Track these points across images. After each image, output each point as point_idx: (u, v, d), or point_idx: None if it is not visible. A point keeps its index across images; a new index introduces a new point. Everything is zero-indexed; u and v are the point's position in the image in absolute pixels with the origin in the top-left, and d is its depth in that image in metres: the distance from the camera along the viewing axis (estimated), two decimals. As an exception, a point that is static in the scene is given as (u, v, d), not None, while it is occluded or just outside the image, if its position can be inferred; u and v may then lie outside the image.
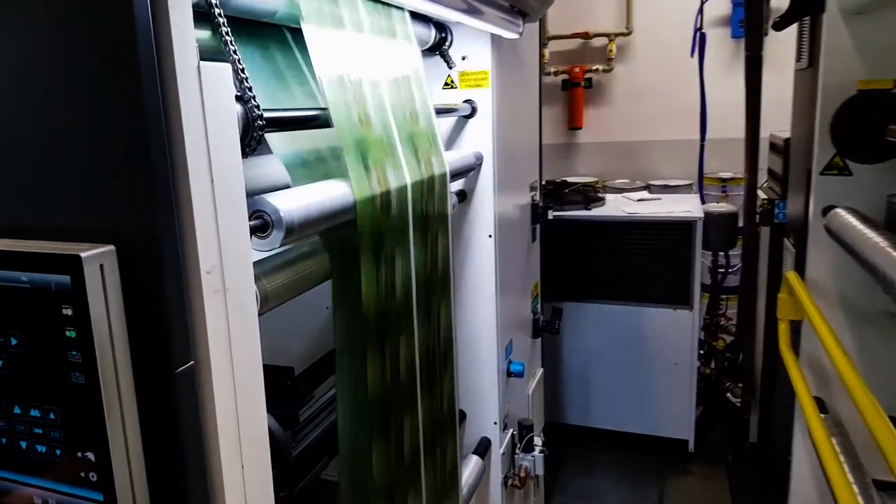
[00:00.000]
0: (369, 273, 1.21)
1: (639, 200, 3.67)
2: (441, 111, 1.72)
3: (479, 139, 1.92)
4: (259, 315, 0.99)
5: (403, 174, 1.33)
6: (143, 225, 0.73)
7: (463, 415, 2.07)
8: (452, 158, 1.66)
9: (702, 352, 3.66)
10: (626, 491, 3.23)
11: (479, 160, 1.90)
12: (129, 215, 0.72)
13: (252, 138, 0.92)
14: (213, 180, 0.80)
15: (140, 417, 0.74)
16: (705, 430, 3.61)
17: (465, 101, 1.88)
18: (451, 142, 1.92)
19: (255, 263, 1.04)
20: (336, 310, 1.21)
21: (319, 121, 1.12)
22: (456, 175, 1.69)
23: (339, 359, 1.24)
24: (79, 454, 0.70)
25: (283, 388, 1.52)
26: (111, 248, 0.69)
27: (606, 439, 3.51)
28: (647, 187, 4.30)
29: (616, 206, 3.53)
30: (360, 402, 1.26)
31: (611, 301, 3.37)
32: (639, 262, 3.33)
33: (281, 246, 0.98)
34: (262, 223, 0.96)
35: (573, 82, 4.60)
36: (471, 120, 1.90)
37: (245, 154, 0.93)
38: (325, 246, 1.19)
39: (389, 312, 1.30)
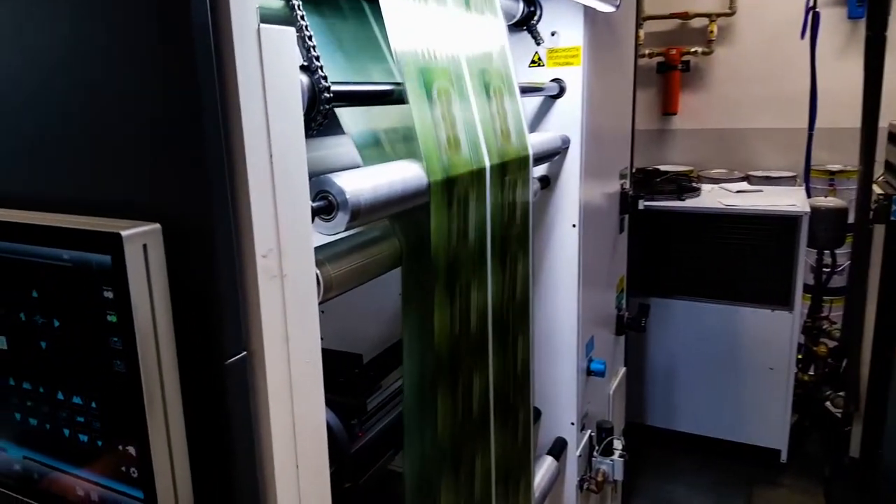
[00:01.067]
0: (441, 254, 1.12)
1: (738, 192, 3.41)
2: (526, 90, 1.60)
3: (566, 121, 1.79)
4: (322, 303, 0.92)
5: (482, 155, 1.23)
6: (193, 203, 0.66)
7: (538, 413, 1.96)
8: (537, 141, 1.55)
9: (800, 356, 3.38)
10: (710, 500, 3.03)
11: (566, 144, 1.77)
12: (177, 192, 0.66)
13: (318, 112, 0.85)
14: (272, 156, 0.72)
15: (186, 411, 0.68)
16: (800, 440, 3.34)
17: (552, 80, 1.75)
18: (535, 124, 1.80)
19: (319, 248, 0.97)
20: (405, 303, 1.13)
21: (393, 96, 1.03)
22: (540, 159, 1.57)
23: (409, 361, 1.16)
24: (119, 447, 0.65)
25: (350, 375, 1.46)
26: (156, 226, 0.63)
27: (690, 444, 3.31)
28: (747, 178, 4.00)
29: (712, 197, 3.29)
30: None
31: (702, 299, 3.15)
32: (735, 258, 3.09)
33: (347, 230, 0.91)
34: (326, 205, 0.88)
35: (669, 65, 4.34)
36: (558, 101, 1.78)
37: (311, 130, 0.85)
38: (396, 231, 1.10)
39: (464, 336, 1.21)
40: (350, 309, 2.20)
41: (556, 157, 1.77)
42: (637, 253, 2.77)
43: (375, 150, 1.12)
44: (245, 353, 0.72)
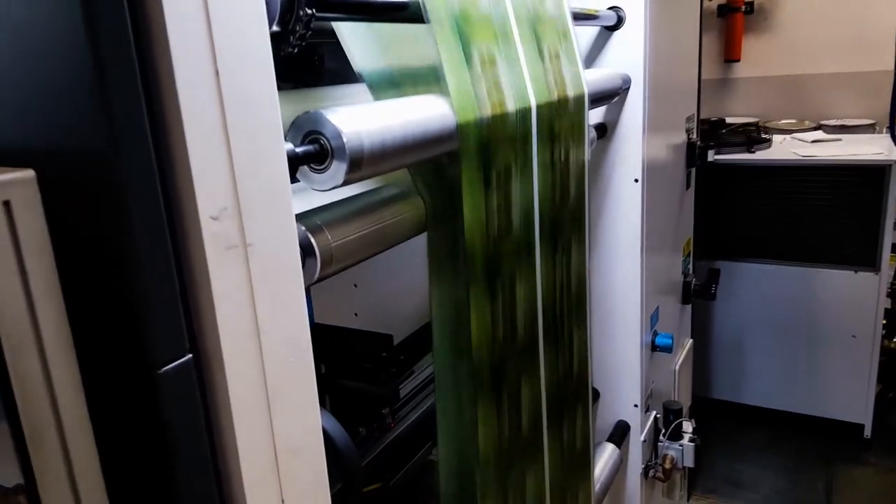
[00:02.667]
0: (476, 226, 0.88)
1: (813, 142, 3.03)
2: (579, 17, 1.32)
3: (625, 58, 1.50)
4: (320, 280, 0.69)
5: (527, 92, 0.97)
6: (89, 136, 0.44)
7: (596, 394, 1.72)
8: (592, 78, 1.28)
9: (885, 322, 3.02)
10: (785, 480, 2.75)
11: (626, 84, 1.49)
12: (62, 119, 0.44)
13: (296, 18, 0.61)
14: (218, 72, 0.49)
15: (101, 445, 0.47)
16: (886, 413, 3.00)
17: (610, 8, 1.46)
18: (588, 60, 1.52)
19: (316, 210, 0.74)
20: (433, 287, 0.90)
21: (408, 11, 0.79)
22: (596, 100, 1.30)
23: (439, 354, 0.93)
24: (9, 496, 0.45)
25: (378, 359, 1.24)
26: (27, 174, 0.41)
27: (762, 419, 3.01)
28: (819, 128, 3.59)
29: (785, 148, 2.93)
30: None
31: (776, 261, 2.81)
32: (813, 215, 2.74)
33: (346, 183, 0.67)
34: (318, 150, 0.65)
35: (731, 7, 3.91)
36: (616, 33, 1.49)
37: (289, 43, 0.62)
38: (418, 186, 0.87)
39: (501, 265, 0.97)
40: (389, 279, 1.99)
41: (615, 101, 1.49)
42: (702, 212, 2.46)
43: (393, 91, 0.87)
44: (190, 356, 0.50)
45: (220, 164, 0.50)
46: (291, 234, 0.57)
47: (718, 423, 3.03)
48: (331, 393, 1.30)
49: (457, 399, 0.97)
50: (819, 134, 3.29)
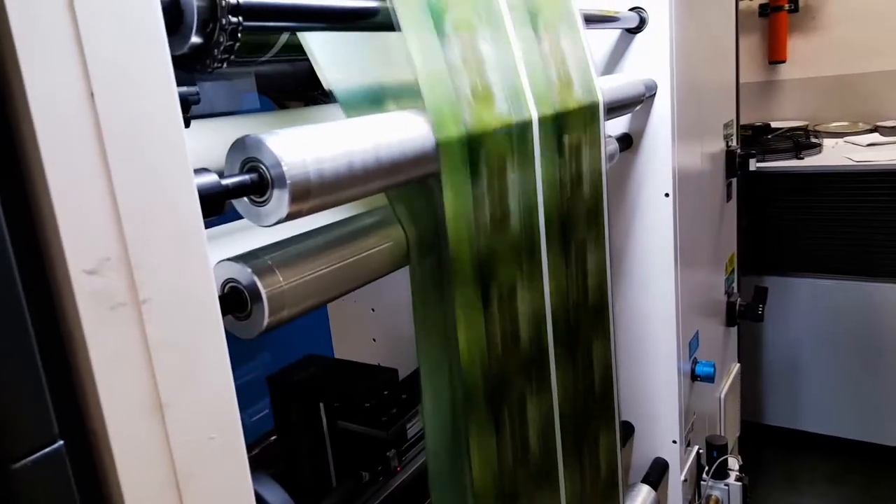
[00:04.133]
0: (463, 224, 0.76)
1: (869, 145, 2.81)
2: (597, 19, 1.20)
3: (649, 62, 1.37)
4: (268, 331, 0.59)
5: (525, 102, 0.86)
6: None
7: (630, 429, 1.58)
8: (610, 86, 1.15)
9: (958, 340, 2.75)
10: (848, 514, 2.52)
11: (651, 91, 1.36)
12: None
13: (220, 29, 0.51)
14: (92, 94, 0.40)
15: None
16: (961, 441, 2.73)
17: (631, 9, 1.34)
18: (610, 66, 1.40)
19: (269, 247, 0.64)
20: (418, 324, 0.79)
21: (377, 18, 0.68)
22: (615, 108, 1.17)
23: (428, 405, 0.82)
24: None
25: (379, 398, 1.14)
26: None
27: (821, 447, 2.77)
28: (875, 130, 3.35)
29: (837, 153, 2.72)
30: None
31: (831, 275, 2.59)
32: (871, 225, 2.52)
33: (294, 217, 0.57)
34: (255, 180, 0.55)
35: (774, 6, 3.71)
36: (638, 36, 1.36)
37: (213, 59, 0.52)
38: (398, 213, 0.76)
39: (496, 270, 0.85)
40: (409, 303, 1.89)
41: (639, 108, 1.36)
42: (747, 225, 2.29)
43: (370, 109, 0.77)
44: (60, 443, 0.40)
45: (97, 205, 0.40)
46: (206, 284, 0.47)
47: (772, 451, 2.81)
48: (331, 434, 1.20)
49: (449, 431, 0.85)
50: (875, 137, 3.05)
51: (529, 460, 0.94)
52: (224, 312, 0.59)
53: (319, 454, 1.23)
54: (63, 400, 0.41)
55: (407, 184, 0.69)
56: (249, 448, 1.41)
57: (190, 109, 0.63)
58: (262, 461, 1.37)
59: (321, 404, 1.20)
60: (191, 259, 0.46)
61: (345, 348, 1.98)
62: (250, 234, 0.72)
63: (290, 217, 0.56)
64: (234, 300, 0.60)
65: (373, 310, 1.92)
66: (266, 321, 0.60)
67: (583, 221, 1.05)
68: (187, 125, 0.49)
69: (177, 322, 0.45)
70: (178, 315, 0.45)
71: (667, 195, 1.43)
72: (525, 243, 0.89)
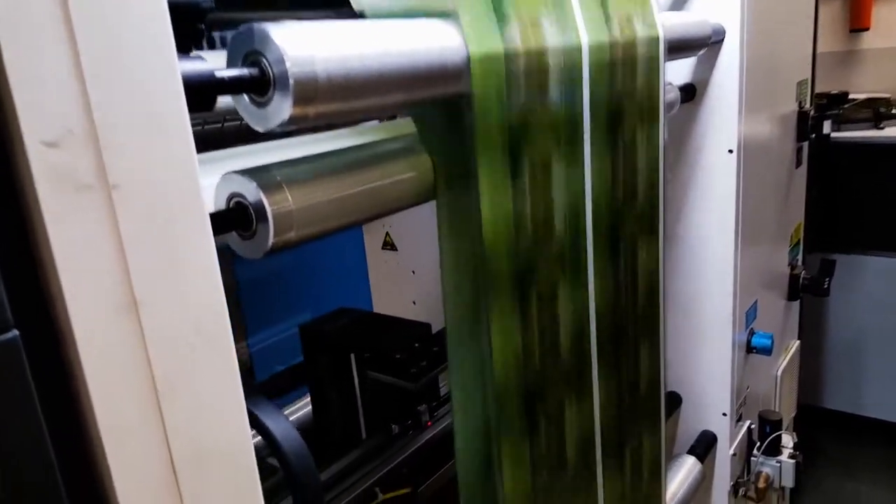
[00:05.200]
0: (497, 200, 0.69)
1: (958, 117, 2.55)
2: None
3: (719, 6, 1.24)
4: (275, 251, 0.54)
5: (575, 26, 0.77)
6: None
7: (677, 399, 1.48)
8: (673, 22, 1.04)
9: None
10: (909, 505, 2.35)
11: (719, 35, 1.23)
12: None
13: None
14: (48, -56, 0.34)
15: None
16: None
17: (699, -56, 1.21)
18: (674, 8, 1.27)
19: (282, 164, 0.58)
20: (447, 282, 0.72)
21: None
22: (677, 49, 1.06)
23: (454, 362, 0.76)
24: None
25: (410, 350, 1.08)
26: None
27: (881, 433, 2.59)
28: (966, 103, 3.05)
29: (922, 125, 2.49)
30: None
31: (907, 254, 2.40)
32: (956, 202, 2.30)
33: (298, 123, 0.51)
34: (255, 76, 0.49)
35: (860, -32, 3.41)
36: (707, -27, 1.23)
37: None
38: (425, 138, 0.69)
39: (536, 270, 0.77)
40: (416, 262, 1.83)
41: (704, 53, 1.23)
42: (817, 197, 2.11)
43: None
44: (14, 333, 0.36)
45: (57, 66, 0.35)
46: (189, 180, 0.41)
47: (829, 435, 2.65)
48: (361, 385, 1.15)
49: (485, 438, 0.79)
50: (965, 109, 2.78)
51: (567, 470, 0.88)
52: (227, 228, 0.54)
53: (349, 405, 1.18)
54: (22, 288, 0.36)
55: (431, 101, 0.62)
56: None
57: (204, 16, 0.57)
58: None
59: (352, 355, 1.15)
60: (170, 148, 0.40)
61: (384, 310, 1.94)
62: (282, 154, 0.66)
63: (294, 121, 0.49)
64: (239, 216, 0.54)
65: (413, 272, 1.87)
66: (271, 241, 0.54)
67: (633, 126, 0.94)
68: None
69: (154, 215, 0.39)
70: (155, 208, 0.39)
71: (730, 151, 1.30)
72: (567, 119, 0.80)
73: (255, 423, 0.53)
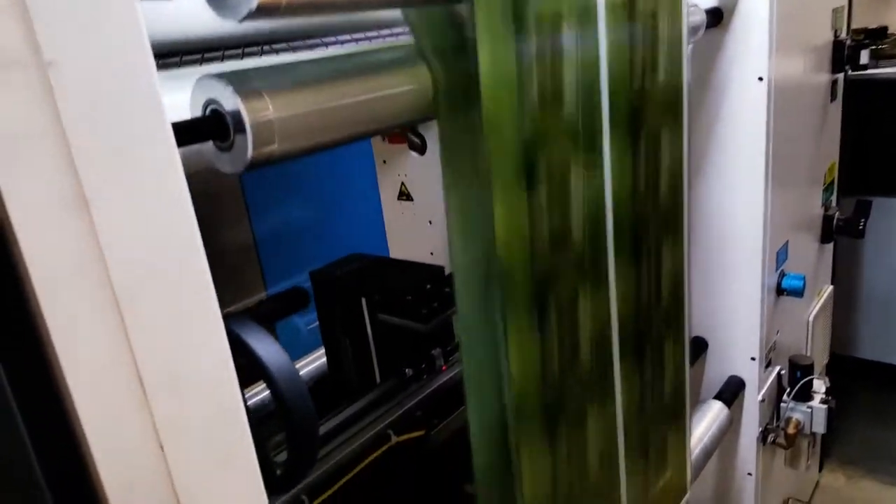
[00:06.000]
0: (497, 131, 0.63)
1: None
2: None
3: (749, -81, 1.15)
4: (259, 166, 0.49)
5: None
6: None
7: (703, 344, 1.42)
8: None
9: None
10: (945, 455, 2.27)
11: (749, -49, 1.14)
12: None
13: None
14: None
15: None
16: None
17: None
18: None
19: (262, 70, 0.53)
20: (452, 224, 0.67)
21: None
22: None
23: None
24: None
25: (421, 292, 1.04)
26: None
27: (917, 383, 2.51)
28: None
29: (968, 58, 2.33)
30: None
31: (948, 196, 2.27)
32: None
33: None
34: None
35: None
36: None
37: None
38: (424, 45, 0.63)
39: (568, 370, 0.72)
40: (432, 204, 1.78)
41: (732, -28, 1.14)
42: (851, 138, 2.00)
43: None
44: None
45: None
46: (141, 55, 0.36)
47: (861, 385, 2.57)
48: (373, 329, 1.12)
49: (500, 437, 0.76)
50: None
51: (588, 473, 0.84)
52: (201, 137, 0.49)
53: (362, 351, 1.15)
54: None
55: (429, 3, 0.56)
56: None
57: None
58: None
59: (363, 299, 1.11)
60: (119, 25, 0.35)
61: (402, 260, 1.90)
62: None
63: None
64: (215, 124, 0.49)
65: (430, 222, 1.82)
66: (250, 153, 0.49)
67: (655, 100, 0.88)
68: None
69: (102, 98, 0.35)
70: (102, 89, 0.35)
71: (760, 80, 1.21)
72: (583, 124, 0.75)
73: (240, 345, 0.49)
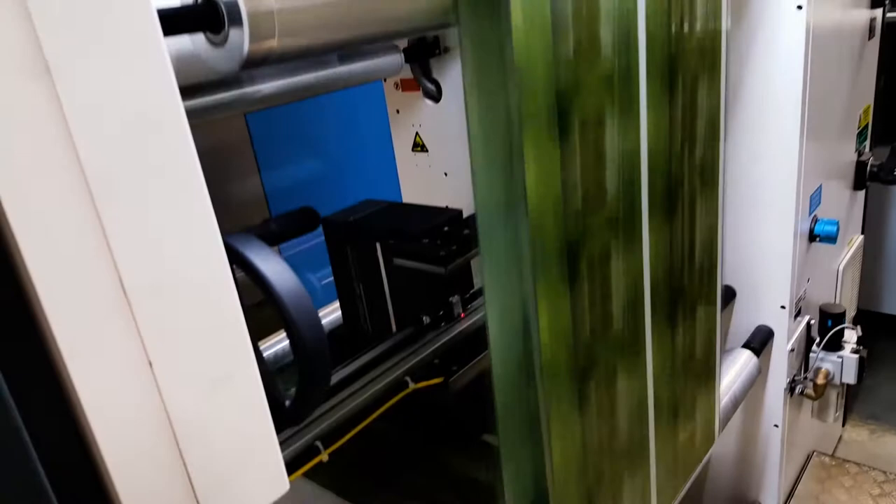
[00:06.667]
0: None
1: None
2: None
3: None
4: (258, 63, 0.43)
5: None
6: None
7: (731, 293, 1.36)
8: None
9: None
10: (973, 410, 2.21)
11: None
12: None
13: None
14: None
15: None
16: None
17: None
18: None
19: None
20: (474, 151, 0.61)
21: None
22: None
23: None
24: None
25: (437, 234, 0.98)
26: None
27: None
28: None
29: None
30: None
31: None
32: None
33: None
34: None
35: None
36: None
37: None
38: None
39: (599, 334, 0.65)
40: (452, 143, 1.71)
41: None
42: (888, 80, 1.89)
43: None
44: None
45: None
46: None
47: (887, 342, 2.50)
48: (388, 276, 1.07)
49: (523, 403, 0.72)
50: None
51: (618, 437, 0.79)
52: (191, 27, 0.43)
53: (377, 299, 1.11)
54: None
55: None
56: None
57: None
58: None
59: (377, 244, 1.06)
60: None
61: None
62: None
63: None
64: (207, 14, 0.43)
65: (445, 174, 1.75)
66: (246, 48, 0.43)
67: (693, 44, 0.81)
68: None
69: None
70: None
71: (799, 7, 1.13)
72: (619, 67, 0.68)
73: (242, 263, 0.44)
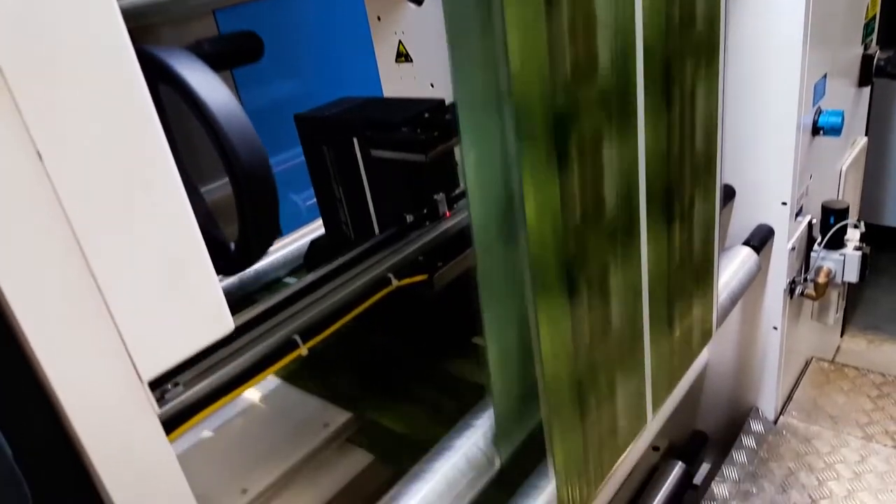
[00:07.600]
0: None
1: None
2: None
3: None
4: None
5: None
6: None
7: (730, 192, 1.30)
8: None
9: None
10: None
11: None
12: None
13: None
14: None
15: None
16: None
17: None
18: None
19: None
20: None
21: None
22: None
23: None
24: None
25: (417, 122, 0.92)
26: None
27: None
28: None
29: None
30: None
31: None
32: None
33: None
34: None
35: None
36: None
37: None
38: None
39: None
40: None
41: None
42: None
43: None
44: None
45: None
46: None
47: (889, 255, 2.46)
48: (369, 175, 1.01)
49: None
50: None
51: (610, 334, 0.73)
52: None
53: (358, 200, 1.05)
54: None
55: None
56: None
57: None
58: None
59: (354, 140, 1.00)
60: None
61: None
62: None
63: None
64: None
65: (432, 85, 1.67)
66: None
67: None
68: None
69: None
70: None
71: None
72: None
73: (171, 79, 0.38)
